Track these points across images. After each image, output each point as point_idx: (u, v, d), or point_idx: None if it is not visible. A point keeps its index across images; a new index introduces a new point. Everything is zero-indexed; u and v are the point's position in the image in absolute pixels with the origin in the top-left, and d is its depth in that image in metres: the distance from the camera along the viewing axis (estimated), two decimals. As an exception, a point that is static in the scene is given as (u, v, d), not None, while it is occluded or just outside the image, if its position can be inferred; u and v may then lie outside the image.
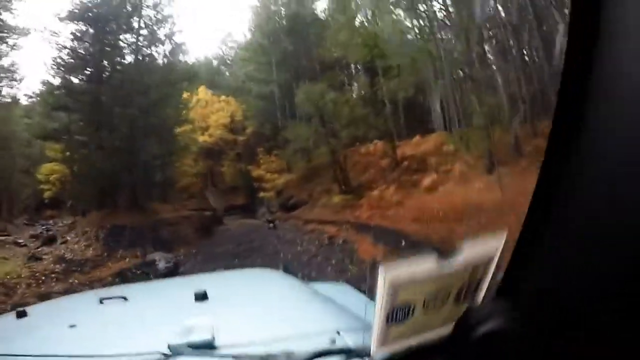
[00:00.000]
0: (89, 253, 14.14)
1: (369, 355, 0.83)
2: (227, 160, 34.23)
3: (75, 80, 23.59)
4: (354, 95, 24.03)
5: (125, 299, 1.81)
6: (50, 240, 17.17)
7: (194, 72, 35.40)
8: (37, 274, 11.26)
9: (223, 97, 33.67)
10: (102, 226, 16.13)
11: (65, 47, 22.15)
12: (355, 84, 27.01)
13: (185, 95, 30.93)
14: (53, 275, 10.84)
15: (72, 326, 1.44)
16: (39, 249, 16.08)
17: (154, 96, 21.73)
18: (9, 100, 33.17)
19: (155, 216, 18.57)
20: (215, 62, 48.75)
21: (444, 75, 22.83)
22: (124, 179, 19.52)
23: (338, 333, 1.17)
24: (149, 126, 22.25)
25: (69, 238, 16.72)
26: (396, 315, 0.68)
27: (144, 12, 25.86)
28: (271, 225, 21.08)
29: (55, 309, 2.22)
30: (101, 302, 1.78)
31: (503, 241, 0.72)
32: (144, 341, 1.16)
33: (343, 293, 2.21)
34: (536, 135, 15.69)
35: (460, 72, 20.05)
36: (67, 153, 22.56)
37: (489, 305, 0.74)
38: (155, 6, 26.57)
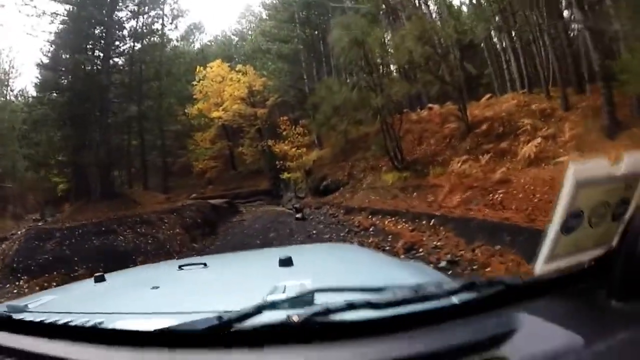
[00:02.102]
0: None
1: (516, 283, 0.82)
2: (247, 138, 27.68)
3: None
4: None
5: (205, 265, 1.73)
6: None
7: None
8: None
9: (240, 67, 26.88)
10: (28, 230, 9.77)
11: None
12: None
13: (198, 70, 26.77)
14: None
15: (154, 288, 1.39)
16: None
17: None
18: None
19: (132, 210, 12.18)
20: (235, 39, 42.46)
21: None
22: (93, 156, 13.23)
23: None
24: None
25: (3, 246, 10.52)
26: (569, 223, 0.68)
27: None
28: (299, 215, 14.44)
29: (132, 275, 2.17)
30: (180, 268, 1.72)
31: None
32: (229, 301, 1.03)
33: (422, 267, 1.84)
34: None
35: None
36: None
37: None
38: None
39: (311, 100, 19.32)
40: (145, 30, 21.94)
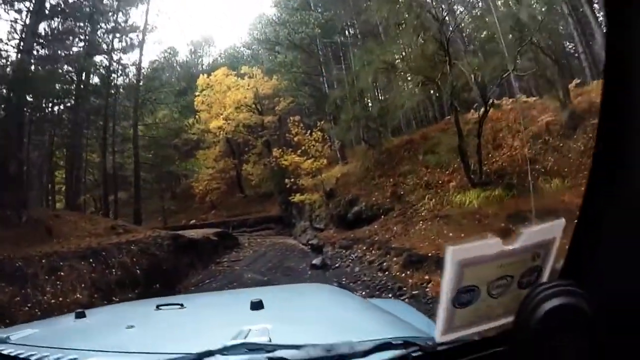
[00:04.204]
0: None
1: (431, 347, 0.79)
2: (253, 154, 22.09)
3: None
4: None
5: (181, 305, 1.69)
6: None
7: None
8: None
9: (245, 68, 21.58)
10: None
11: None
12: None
13: (201, 79, 22.66)
14: None
15: (130, 327, 1.36)
16: None
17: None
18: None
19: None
20: (245, 51, 37.74)
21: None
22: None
23: None
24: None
25: None
26: (461, 298, 0.64)
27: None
28: (317, 261, 8.53)
29: (111, 313, 2.15)
30: (158, 308, 1.66)
31: (562, 227, 0.66)
32: (199, 344, 1.04)
33: (400, 309, 1.93)
34: None
35: None
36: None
37: (553, 284, 0.66)
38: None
39: (333, 97, 13.57)
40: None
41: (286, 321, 1.39)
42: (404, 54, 9.26)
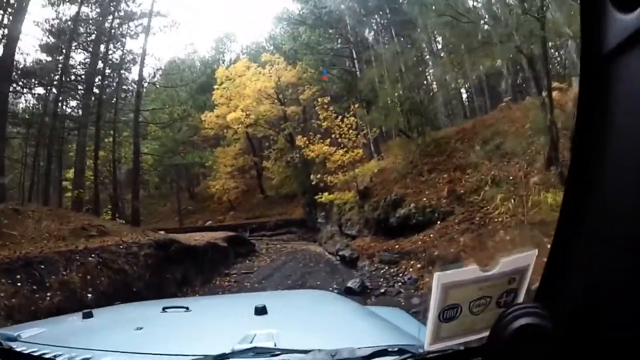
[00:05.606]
0: None
1: (421, 355, 0.84)
2: (274, 149, 20.10)
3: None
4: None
5: (187, 309, 1.70)
6: None
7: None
8: None
9: (266, 55, 19.64)
10: None
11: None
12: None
13: (220, 71, 21.22)
14: None
15: (138, 328, 1.41)
16: None
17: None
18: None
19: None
20: (268, 46, 36.00)
21: None
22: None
23: None
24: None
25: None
26: (446, 314, 0.72)
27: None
28: (353, 284, 6.16)
29: (118, 313, 2.16)
30: (164, 310, 1.69)
31: (535, 256, 0.73)
32: (206, 346, 1.11)
33: (398, 316, 1.98)
34: None
35: None
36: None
37: (523, 306, 0.73)
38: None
39: (369, 76, 11.27)
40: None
41: (289, 326, 1.38)
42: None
